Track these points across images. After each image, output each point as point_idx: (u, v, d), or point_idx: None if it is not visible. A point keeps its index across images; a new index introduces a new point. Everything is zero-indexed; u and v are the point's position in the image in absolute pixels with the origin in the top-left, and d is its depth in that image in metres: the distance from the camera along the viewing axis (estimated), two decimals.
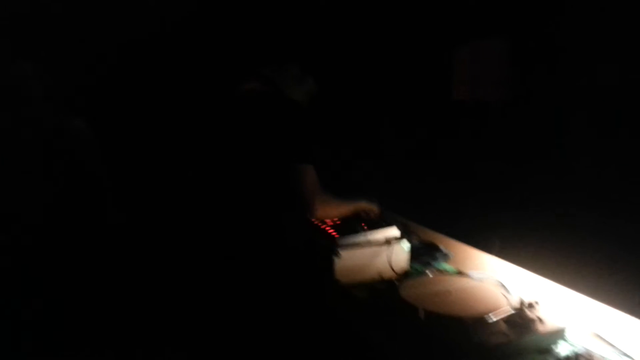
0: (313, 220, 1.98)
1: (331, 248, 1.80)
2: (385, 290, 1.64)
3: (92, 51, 3.01)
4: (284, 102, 1.95)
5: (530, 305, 1.47)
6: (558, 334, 1.43)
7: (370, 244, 1.85)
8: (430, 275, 1.78)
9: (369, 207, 2.07)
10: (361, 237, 1.86)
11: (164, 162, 3.20)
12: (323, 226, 1.96)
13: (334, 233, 1.88)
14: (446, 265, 1.99)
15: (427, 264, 1.97)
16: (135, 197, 2.94)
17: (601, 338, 1.50)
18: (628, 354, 1.41)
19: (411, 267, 1.92)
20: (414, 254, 1.97)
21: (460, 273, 1.83)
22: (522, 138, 1.89)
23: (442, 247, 2.08)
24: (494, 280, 1.76)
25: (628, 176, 1.48)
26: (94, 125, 2.52)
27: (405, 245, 1.90)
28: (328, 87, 2.30)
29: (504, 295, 1.59)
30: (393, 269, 1.85)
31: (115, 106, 3.13)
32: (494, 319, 1.42)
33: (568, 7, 1.62)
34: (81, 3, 3.04)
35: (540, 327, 1.41)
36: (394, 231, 1.91)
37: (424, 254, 2.02)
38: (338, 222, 1.99)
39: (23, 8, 2.90)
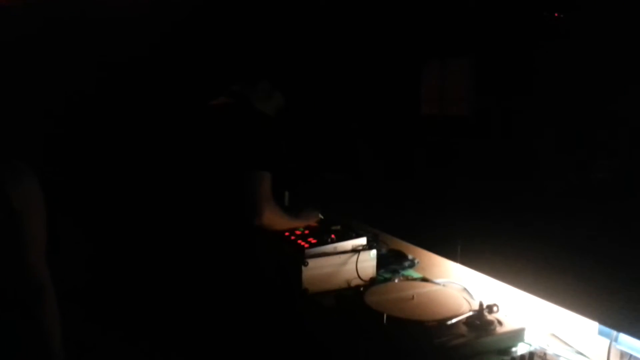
0: (258, 227, 2.00)
1: (299, 258, 1.83)
2: (351, 297, 1.68)
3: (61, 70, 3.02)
4: (252, 114, 1.99)
5: (490, 308, 1.52)
6: (516, 335, 1.48)
7: (338, 253, 1.89)
8: (396, 282, 1.82)
9: (314, 223, 2.13)
10: (329, 247, 1.89)
11: (133, 172, 3.20)
12: (292, 237, 1.99)
13: (302, 243, 1.91)
14: (412, 272, 2.03)
15: (394, 271, 2.01)
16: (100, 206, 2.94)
17: (558, 338, 1.55)
18: (581, 351, 1.47)
19: (378, 274, 1.96)
20: (382, 261, 2.02)
21: (425, 279, 1.88)
22: (484, 152, 1.95)
23: (409, 254, 2.13)
24: (457, 285, 1.81)
25: (582, 187, 1.54)
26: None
27: (372, 253, 1.94)
28: (297, 101, 2.35)
29: (465, 299, 1.64)
30: (360, 277, 1.88)
31: (86, 122, 3.14)
32: (454, 322, 1.47)
33: (533, 26, 1.69)
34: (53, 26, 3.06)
35: (499, 329, 1.46)
36: (361, 240, 1.95)
37: (391, 262, 2.06)
38: (307, 232, 2.02)
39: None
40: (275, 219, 1.94)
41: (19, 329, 1.40)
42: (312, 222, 2.14)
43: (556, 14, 1.64)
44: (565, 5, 1.59)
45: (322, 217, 2.20)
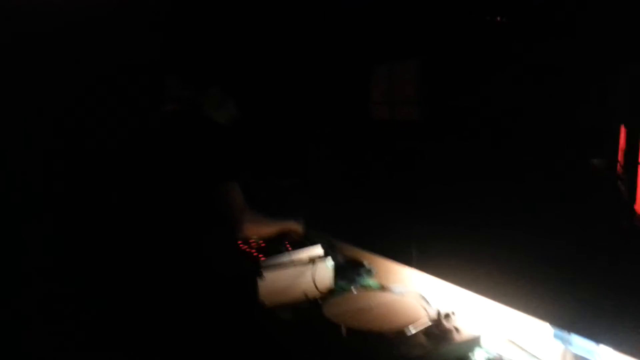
0: (239, 239, 1.97)
1: (255, 270, 1.79)
2: (309, 310, 1.65)
3: None
4: (203, 122, 1.94)
5: (447, 316, 1.52)
6: (474, 342, 1.49)
7: (294, 264, 1.86)
8: (354, 292, 1.80)
9: (295, 226, 2.08)
10: (285, 258, 1.86)
11: (89, 185, 3.08)
12: (247, 248, 1.95)
13: (258, 255, 1.87)
14: (370, 281, 2.02)
15: (352, 281, 1.99)
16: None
17: (514, 343, 1.57)
18: (538, 356, 1.49)
19: (336, 284, 1.94)
20: (339, 271, 1.99)
21: (383, 288, 1.87)
22: (436, 155, 1.96)
23: (365, 263, 2.12)
24: (414, 293, 1.81)
25: (533, 192, 1.57)
26: None
27: (329, 263, 1.92)
28: (250, 108, 2.31)
29: (423, 308, 1.64)
30: (317, 288, 1.86)
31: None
32: (413, 332, 1.46)
33: (479, 29, 1.71)
34: None
35: (457, 337, 1.47)
36: (317, 250, 1.93)
37: (349, 271, 2.04)
38: (262, 244, 1.98)
39: None
40: (255, 227, 1.91)
41: None
42: (296, 227, 2.08)
43: (498, 18, 1.67)
44: (508, 9, 1.63)
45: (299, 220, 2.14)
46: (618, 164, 1.35)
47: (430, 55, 1.98)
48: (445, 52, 1.88)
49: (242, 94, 2.23)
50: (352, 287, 1.87)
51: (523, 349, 1.54)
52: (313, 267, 1.88)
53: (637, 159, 1.32)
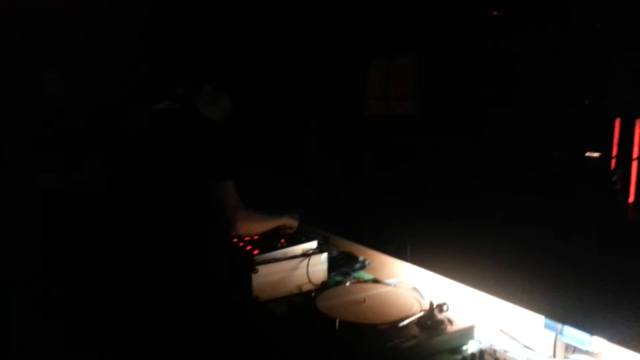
0: (234, 237, 1.97)
1: (249, 265, 1.80)
2: (303, 303, 1.66)
3: None
4: (198, 120, 1.93)
5: (440, 308, 1.53)
6: (466, 333, 1.50)
7: (288, 258, 1.87)
8: (348, 285, 1.81)
9: (291, 222, 2.08)
10: (279, 253, 1.87)
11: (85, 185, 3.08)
12: (241, 243, 1.95)
13: (252, 250, 1.88)
14: (364, 274, 2.03)
15: (346, 274, 2.01)
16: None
17: (505, 333, 1.59)
18: (528, 345, 1.50)
19: (330, 277, 1.95)
20: (333, 264, 2.00)
21: (376, 280, 1.88)
22: (431, 150, 1.97)
23: (359, 256, 2.13)
24: (408, 285, 1.83)
25: (527, 186, 1.58)
26: None
27: (323, 257, 1.93)
28: (245, 104, 2.31)
29: (416, 299, 1.65)
30: (311, 281, 1.87)
31: None
32: (406, 323, 1.47)
33: (474, 24, 1.72)
34: None
35: (450, 328, 1.48)
36: (311, 244, 1.94)
37: (343, 264, 2.06)
38: (256, 239, 1.99)
39: None
40: (250, 225, 1.90)
41: None
42: (291, 223, 2.08)
43: (495, 13, 1.68)
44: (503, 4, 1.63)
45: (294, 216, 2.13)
46: (613, 159, 1.36)
47: (427, 50, 1.99)
48: (442, 47, 1.89)
49: (237, 90, 2.22)
50: (345, 280, 1.88)
51: (514, 339, 1.55)
52: (307, 261, 1.88)
53: (632, 154, 1.33)
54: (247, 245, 1.92)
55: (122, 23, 3.16)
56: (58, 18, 3.00)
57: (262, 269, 1.79)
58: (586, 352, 1.40)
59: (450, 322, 1.49)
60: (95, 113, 3.04)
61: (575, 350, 1.43)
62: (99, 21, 3.12)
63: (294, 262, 1.87)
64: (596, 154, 1.39)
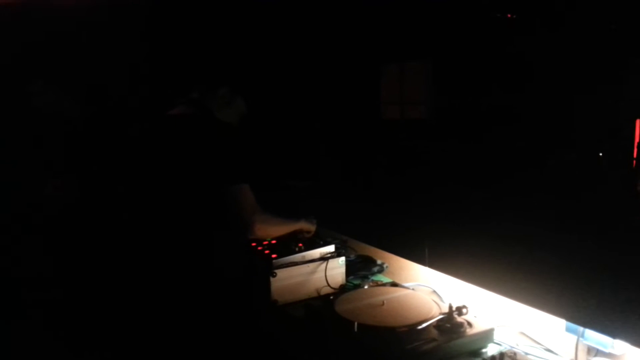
0: (252, 241, 1.98)
1: (267, 268, 1.80)
2: (321, 306, 1.66)
3: None
4: (213, 123, 1.94)
5: (459, 310, 1.52)
6: (486, 336, 1.48)
7: (306, 262, 1.87)
8: (366, 288, 1.81)
9: (308, 226, 2.08)
10: (297, 256, 1.87)
11: (95, 187, 3.12)
12: (259, 247, 1.96)
13: (270, 254, 1.88)
14: (382, 277, 2.03)
15: (364, 277, 2.00)
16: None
17: (527, 336, 1.57)
18: (550, 348, 1.48)
19: (348, 281, 1.94)
20: (351, 268, 2.00)
21: (395, 284, 1.88)
22: (447, 154, 1.97)
23: (377, 259, 2.12)
24: (426, 288, 1.82)
25: (548, 189, 1.57)
26: None
27: (341, 260, 1.93)
28: (260, 107, 2.32)
29: (435, 302, 1.64)
30: (329, 285, 1.87)
31: None
32: (425, 326, 1.46)
33: (488, 28, 1.72)
34: None
35: (469, 330, 1.46)
36: (329, 248, 1.94)
37: (361, 268, 2.05)
38: (273, 243, 2.00)
39: None
40: (268, 228, 1.91)
41: None
42: (308, 227, 2.08)
43: (509, 15, 1.67)
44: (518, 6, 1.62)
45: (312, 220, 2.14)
46: (634, 160, 1.35)
47: (441, 54, 1.99)
48: (456, 52, 1.88)
49: (252, 93, 2.24)
50: (363, 284, 1.87)
51: (536, 342, 1.54)
52: (325, 264, 1.88)
53: None
54: (265, 250, 1.93)
55: (126, 26, 3.18)
56: (56, 23, 3.03)
57: (281, 273, 1.80)
58: (609, 355, 1.38)
59: (469, 324, 1.48)
60: (89, 118, 3.06)
61: (598, 352, 1.41)
62: (99, 21, 3.14)
63: (312, 265, 1.87)
64: (617, 155, 1.37)
